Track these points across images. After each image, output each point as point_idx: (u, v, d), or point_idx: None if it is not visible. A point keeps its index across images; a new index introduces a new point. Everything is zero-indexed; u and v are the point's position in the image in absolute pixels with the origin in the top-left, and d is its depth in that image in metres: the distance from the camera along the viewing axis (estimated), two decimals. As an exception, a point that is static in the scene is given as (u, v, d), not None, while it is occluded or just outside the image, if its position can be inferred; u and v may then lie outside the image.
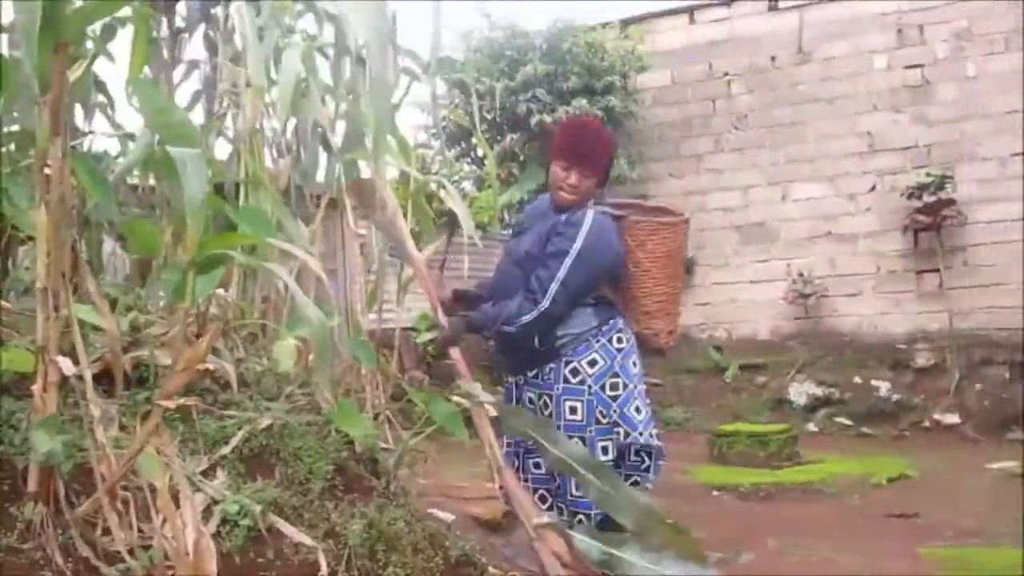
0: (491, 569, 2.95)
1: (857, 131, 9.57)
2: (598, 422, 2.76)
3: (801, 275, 9.73)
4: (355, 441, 3.00)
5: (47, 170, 2.03)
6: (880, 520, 5.05)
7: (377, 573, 2.54)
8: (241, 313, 3.67)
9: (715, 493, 5.91)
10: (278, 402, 3.02)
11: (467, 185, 10.56)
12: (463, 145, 10.37)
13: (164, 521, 2.14)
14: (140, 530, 2.17)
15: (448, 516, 3.66)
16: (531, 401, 2.88)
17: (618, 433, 2.77)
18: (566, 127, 2.98)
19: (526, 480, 2.87)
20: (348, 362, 3.63)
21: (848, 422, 8.68)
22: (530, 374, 2.88)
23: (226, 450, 2.64)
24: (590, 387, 2.76)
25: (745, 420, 8.37)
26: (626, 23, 10.57)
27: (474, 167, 10.74)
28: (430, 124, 9.88)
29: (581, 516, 2.76)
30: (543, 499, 2.86)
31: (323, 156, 4.15)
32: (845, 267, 9.72)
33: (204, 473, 2.55)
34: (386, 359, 3.82)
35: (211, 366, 2.34)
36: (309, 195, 4.29)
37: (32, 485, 1.98)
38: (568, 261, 2.68)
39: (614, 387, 2.78)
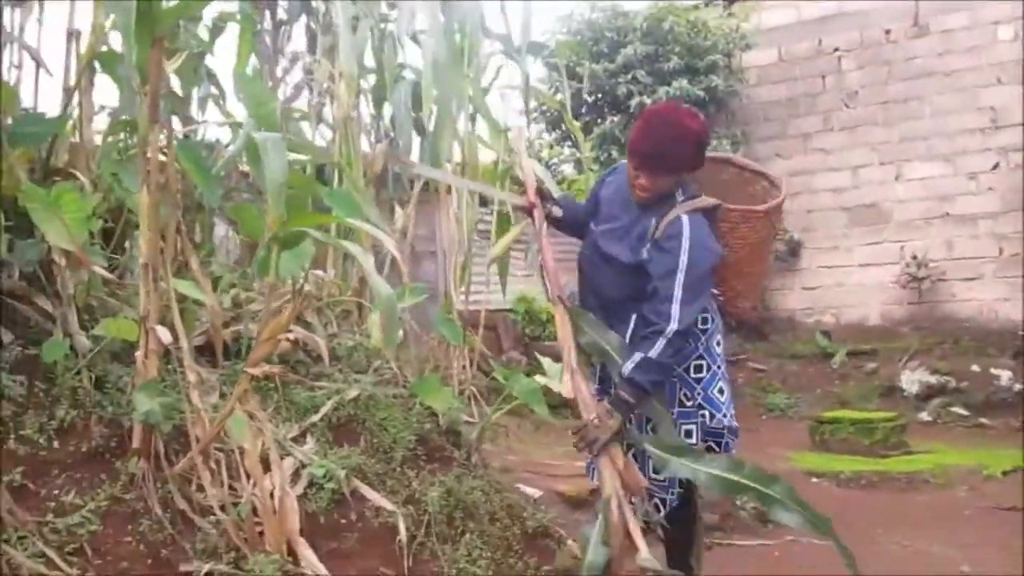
0: (570, 542, 3.00)
1: (978, 106, 9.06)
2: (681, 404, 2.74)
3: (915, 258, 9.32)
4: (438, 414, 3.12)
5: (148, 156, 2.21)
6: (988, 513, 4.84)
7: (455, 539, 2.65)
8: (338, 292, 3.86)
9: (813, 480, 5.77)
10: (366, 375, 3.17)
11: (567, 168, 10.58)
12: (563, 128, 10.39)
13: (254, 482, 2.30)
14: (232, 488, 2.35)
15: (534, 491, 3.75)
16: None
17: (703, 416, 2.75)
18: (639, 122, 2.76)
19: None
20: (437, 339, 3.77)
21: (964, 412, 8.27)
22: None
23: (315, 418, 2.81)
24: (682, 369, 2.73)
25: (852, 407, 8.12)
26: (731, 1, 10.34)
27: (574, 150, 10.73)
28: (533, 108, 9.94)
29: (657, 500, 2.74)
30: None
31: (417, 140, 4.29)
32: (964, 250, 9.25)
33: (294, 439, 2.72)
34: (476, 337, 3.93)
35: (295, 336, 2.49)
36: (407, 180, 4.45)
37: (135, 442, 2.17)
38: (679, 279, 2.55)
39: (698, 369, 2.75)
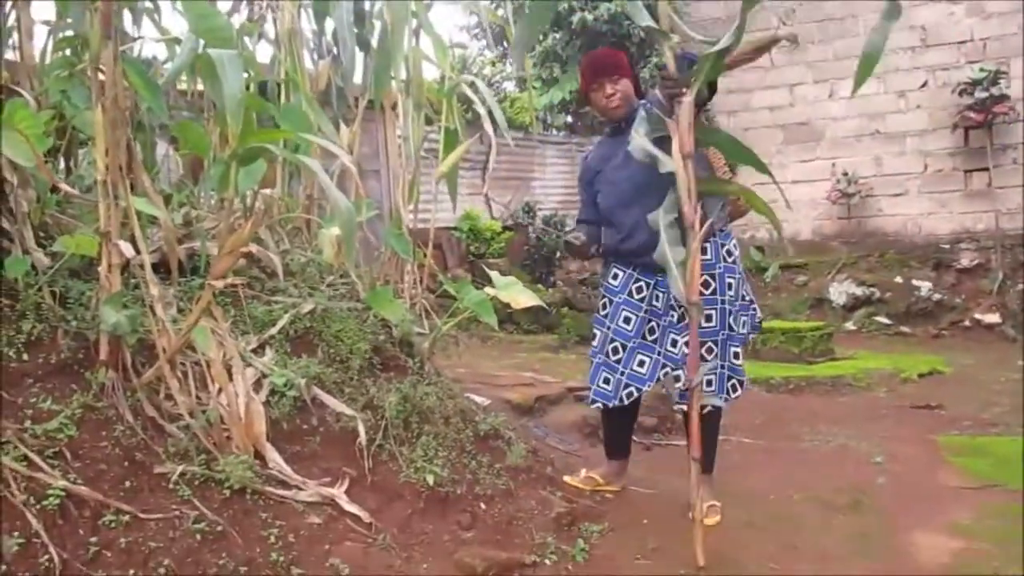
0: (520, 444, 3.19)
1: (910, 24, 9.27)
2: (742, 300, 3.13)
3: (845, 174, 9.64)
4: (391, 326, 3.24)
5: (101, 74, 2.22)
6: (904, 411, 5.21)
7: (411, 441, 2.81)
8: (286, 209, 3.90)
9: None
10: (321, 289, 3.26)
11: (509, 85, 10.55)
12: (505, 45, 10.31)
13: (219, 389, 2.41)
14: (199, 397, 2.45)
15: (484, 400, 3.93)
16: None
17: (754, 310, 3.22)
18: (582, 63, 3.27)
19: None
20: (388, 254, 3.85)
21: (887, 321, 8.75)
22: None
23: (273, 331, 2.90)
24: (740, 267, 3.13)
25: (784, 319, 8.50)
26: (672, -86, 10.25)
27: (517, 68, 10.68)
28: (473, 24, 9.84)
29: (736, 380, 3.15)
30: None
31: (360, 57, 4.27)
32: (891, 166, 9.60)
33: (254, 351, 2.82)
34: (424, 253, 4.01)
35: (254, 250, 2.56)
36: (353, 97, 4.44)
37: (103, 354, 2.25)
38: None
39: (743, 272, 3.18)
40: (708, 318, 3.01)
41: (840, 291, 9.14)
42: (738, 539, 2.90)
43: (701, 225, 2.48)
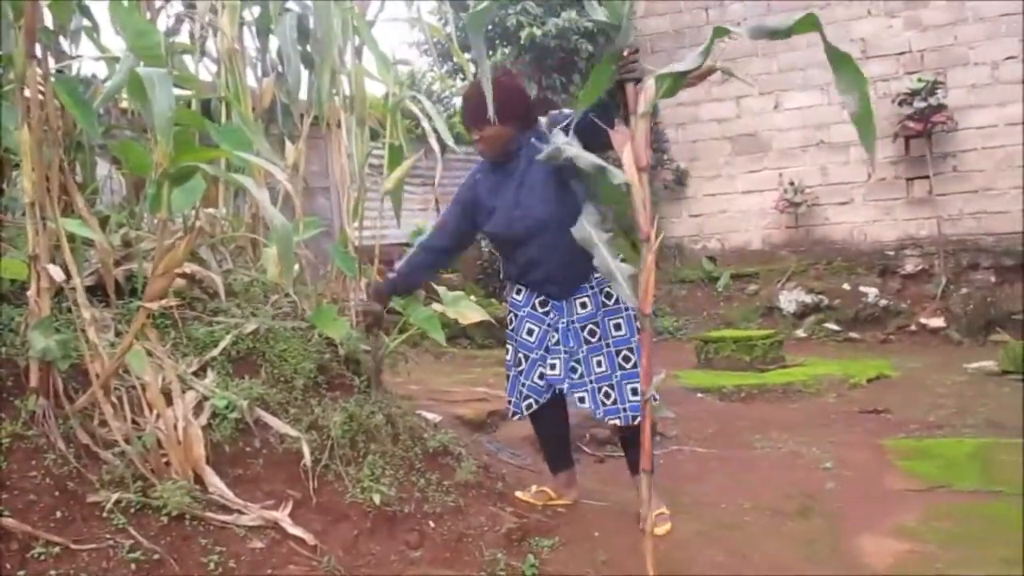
0: (470, 460, 3.16)
1: (851, 37, 9.49)
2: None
3: (792, 184, 9.81)
4: (337, 344, 3.20)
5: (27, 93, 2.17)
6: (852, 416, 5.28)
7: (358, 461, 2.77)
8: (230, 228, 3.84)
9: (699, 395, 6.13)
10: (264, 308, 3.21)
11: (459, 101, 10.54)
12: (454, 61, 10.33)
13: (157, 414, 2.35)
14: (135, 422, 2.39)
15: (435, 416, 3.90)
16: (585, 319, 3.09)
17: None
18: (463, 104, 3.17)
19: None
20: (335, 272, 3.81)
21: (836, 328, 8.89)
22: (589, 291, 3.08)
23: (215, 352, 2.85)
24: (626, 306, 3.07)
25: (735, 327, 8.60)
26: (618, -69, 10.37)
27: (465, 83, 10.71)
28: (422, 40, 9.84)
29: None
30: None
31: (305, 74, 4.24)
32: (836, 175, 9.79)
33: (195, 373, 2.76)
34: (373, 269, 3.98)
35: (190, 272, 2.51)
36: (299, 114, 4.40)
37: (33, 380, 2.18)
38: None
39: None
40: (616, 327, 3.05)
41: (790, 299, 9.27)
42: (689, 548, 2.91)
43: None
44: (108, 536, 2.05)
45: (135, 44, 2.87)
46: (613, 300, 3.04)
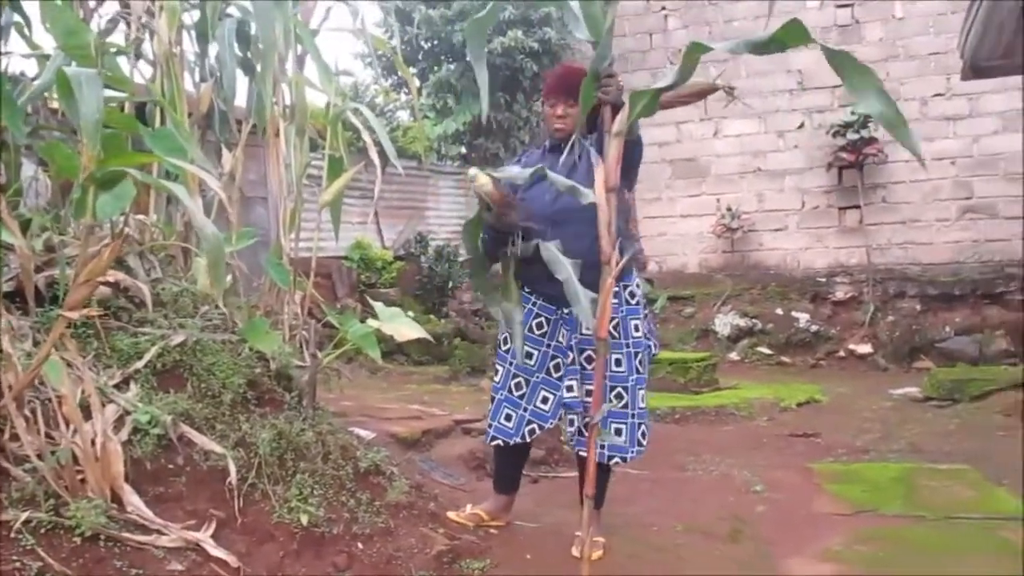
0: (403, 480, 3.10)
1: (788, 68, 9.75)
2: (645, 336, 3.10)
3: (729, 209, 9.99)
4: (268, 359, 3.12)
5: (-55, 87, 2.06)
6: (783, 440, 5.38)
7: (286, 479, 2.69)
8: (161, 236, 3.72)
9: (633, 416, 6.16)
10: (193, 320, 3.11)
11: (403, 115, 10.51)
12: (399, 74, 10.29)
13: (74, 429, 2.24)
14: (49, 436, 2.27)
15: (368, 433, 3.83)
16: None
17: (653, 344, 3.19)
18: (554, 72, 3.21)
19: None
20: (268, 284, 3.72)
21: (768, 351, 9.07)
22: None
23: (139, 365, 2.74)
24: (643, 307, 3.06)
25: (672, 349, 8.68)
26: (565, -47, 10.50)
27: (411, 97, 10.67)
28: (366, 52, 9.78)
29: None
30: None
31: (244, 80, 4.15)
32: (772, 202, 10.02)
33: (117, 386, 2.65)
34: (308, 282, 3.90)
35: (115, 281, 2.42)
36: (235, 120, 4.30)
37: (-61, 391, 2.06)
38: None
39: (639, 302, 3.12)
40: (617, 363, 2.98)
41: (725, 322, 9.42)
42: (622, 571, 2.90)
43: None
44: (15, 558, 1.94)
45: (65, 43, 2.78)
46: (621, 333, 2.99)
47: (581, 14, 2.49)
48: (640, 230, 10.38)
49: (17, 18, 3.75)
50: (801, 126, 9.84)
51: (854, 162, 9.26)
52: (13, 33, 3.80)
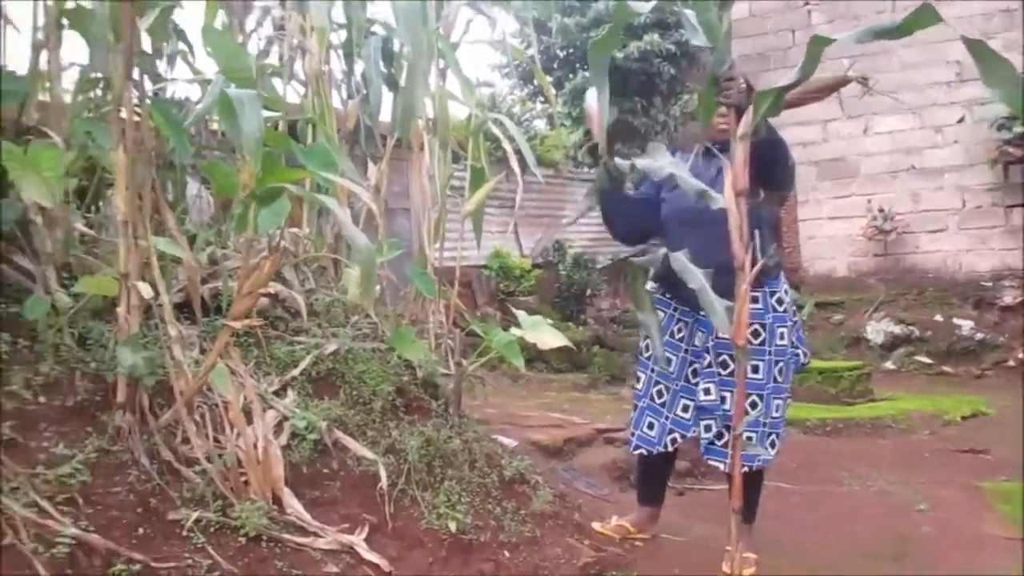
0: (547, 489, 3.10)
1: (945, 60, 9.16)
2: (792, 345, 3.01)
3: (881, 210, 9.48)
4: (415, 367, 3.18)
5: (123, 114, 2.22)
6: (947, 455, 5.03)
7: (434, 486, 2.74)
8: (313, 248, 3.88)
9: (781, 428, 5.93)
10: (344, 329, 3.22)
11: (539, 124, 10.58)
12: (535, 83, 10.36)
13: (237, 433, 2.36)
14: (216, 440, 2.40)
15: (511, 441, 3.85)
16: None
17: (802, 353, 3.10)
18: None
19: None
20: (413, 293, 3.81)
21: (927, 361, 8.52)
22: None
23: (295, 372, 2.86)
24: (792, 314, 3.00)
25: (821, 358, 8.30)
26: (702, -47, 10.30)
27: (546, 105, 10.73)
28: (504, 63, 9.91)
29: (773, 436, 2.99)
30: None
31: (389, 96, 4.28)
32: (929, 202, 9.42)
33: (276, 393, 2.78)
34: (452, 291, 3.97)
35: (274, 291, 2.53)
36: (381, 135, 4.44)
37: (120, 396, 2.21)
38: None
39: (787, 309, 3.02)
40: (755, 369, 2.87)
41: (878, 329, 8.93)
42: (774, 591, 2.78)
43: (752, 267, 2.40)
44: (187, 555, 2.05)
45: (226, 67, 2.93)
46: (759, 340, 2.89)
47: (696, 20, 2.43)
48: (798, 235, 10.03)
49: (182, 46, 4.02)
50: (961, 120, 9.22)
51: (1022, 157, 8.58)
52: (178, 60, 4.07)
